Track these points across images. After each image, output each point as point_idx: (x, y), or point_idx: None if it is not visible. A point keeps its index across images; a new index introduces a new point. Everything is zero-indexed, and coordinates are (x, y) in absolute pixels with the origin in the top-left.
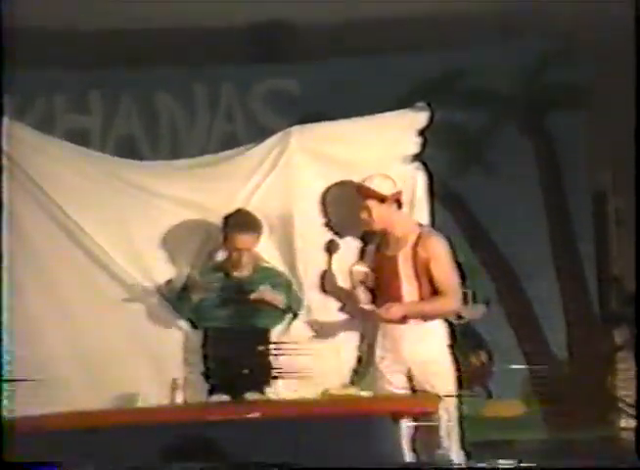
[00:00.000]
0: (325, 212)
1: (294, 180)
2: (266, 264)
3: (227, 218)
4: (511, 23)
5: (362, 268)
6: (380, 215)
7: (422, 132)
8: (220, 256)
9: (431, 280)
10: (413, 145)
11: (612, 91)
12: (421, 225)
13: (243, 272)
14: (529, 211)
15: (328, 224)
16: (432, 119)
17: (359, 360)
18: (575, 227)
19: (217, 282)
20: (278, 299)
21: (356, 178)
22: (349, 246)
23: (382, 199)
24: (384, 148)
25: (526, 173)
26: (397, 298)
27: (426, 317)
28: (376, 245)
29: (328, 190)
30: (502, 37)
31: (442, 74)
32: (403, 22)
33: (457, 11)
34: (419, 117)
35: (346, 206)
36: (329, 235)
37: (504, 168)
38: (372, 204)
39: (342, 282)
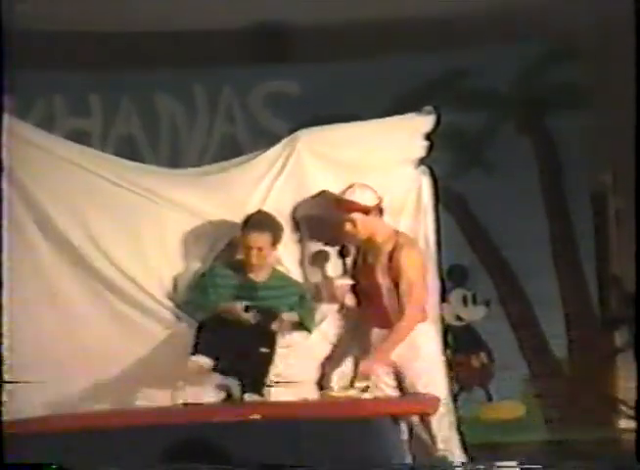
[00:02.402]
0: (297, 228)
1: (302, 184)
2: (281, 271)
3: (247, 218)
4: (511, 23)
5: (346, 281)
6: (365, 227)
7: (428, 136)
8: (239, 255)
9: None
10: (419, 149)
11: (612, 91)
12: (398, 233)
13: (259, 276)
14: (529, 211)
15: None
16: (438, 123)
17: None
18: (575, 227)
19: (232, 280)
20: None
21: (362, 181)
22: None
23: (366, 211)
24: (390, 151)
25: (526, 173)
26: (381, 305)
27: (398, 344)
28: (362, 253)
29: (297, 206)
30: (502, 37)
31: (442, 75)
32: (403, 22)
33: (457, 11)
34: (426, 121)
35: (324, 218)
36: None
37: (504, 169)
38: (357, 217)
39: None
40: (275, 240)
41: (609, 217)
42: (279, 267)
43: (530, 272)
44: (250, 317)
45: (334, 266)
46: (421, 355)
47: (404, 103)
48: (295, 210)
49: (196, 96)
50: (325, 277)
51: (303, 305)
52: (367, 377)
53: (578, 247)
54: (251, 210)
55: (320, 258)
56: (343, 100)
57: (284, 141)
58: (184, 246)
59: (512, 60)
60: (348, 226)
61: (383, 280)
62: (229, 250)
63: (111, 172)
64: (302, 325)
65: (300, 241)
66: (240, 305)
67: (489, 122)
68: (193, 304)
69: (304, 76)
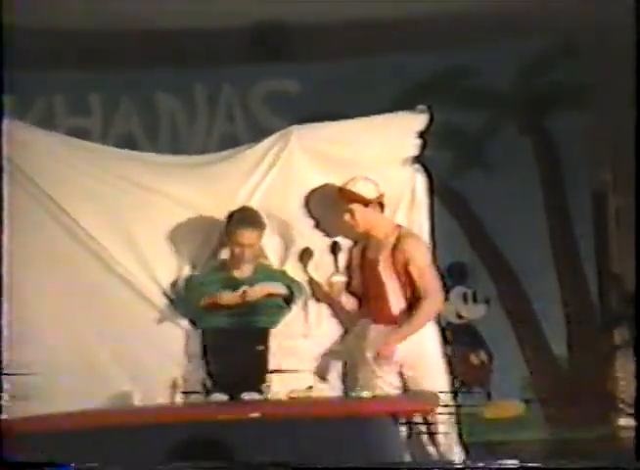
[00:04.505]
0: (311, 215)
1: (293, 179)
2: (266, 264)
3: (231, 215)
4: (511, 23)
5: (340, 278)
6: (363, 218)
7: (422, 134)
8: (223, 255)
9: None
10: (412, 147)
11: (612, 91)
12: (399, 226)
13: (244, 272)
14: (529, 211)
15: (317, 226)
16: (431, 122)
17: (345, 362)
18: (575, 227)
19: (219, 282)
20: (279, 289)
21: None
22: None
23: (366, 203)
24: (383, 149)
25: (527, 173)
26: (384, 300)
27: (419, 328)
28: (360, 248)
29: (312, 192)
30: (502, 37)
31: (442, 74)
32: (403, 22)
33: (457, 11)
34: (419, 120)
35: (332, 208)
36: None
37: (504, 168)
38: (356, 207)
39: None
40: (262, 236)
41: (609, 217)
42: (262, 260)
43: (530, 271)
44: (233, 296)
45: (327, 263)
46: (424, 354)
47: (404, 102)
48: (307, 197)
49: (196, 95)
50: (310, 275)
51: (290, 283)
52: (386, 358)
53: (578, 246)
54: (241, 202)
55: (305, 256)
56: (343, 98)
57: (276, 135)
58: (175, 238)
59: (512, 59)
60: (347, 217)
61: (387, 275)
62: (212, 252)
63: (97, 164)
64: (290, 296)
65: (317, 227)
66: (219, 294)
67: (489, 122)
68: (182, 313)
69: (304, 75)
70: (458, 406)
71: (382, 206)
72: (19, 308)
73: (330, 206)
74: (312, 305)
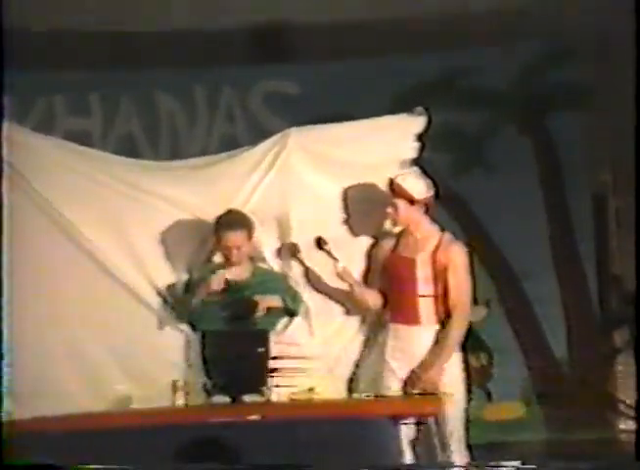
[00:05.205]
0: (346, 209)
1: (291, 181)
2: (264, 267)
3: (218, 219)
4: (511, 23)
5: (342, 264)
6: (406, 215)
7: (420, 137)
8: (217, 258)
9: (446, 286)
10: (411, 149)
11: (612, 91)
12: (443, 232)
13: (241, 275)
14: (529, 212)
15: (346, 221)
16: (429, 124)
17: (358, 362)
18: (575, 227)
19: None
20: (274, 302)
21: (354, 181)
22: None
23: (412, 201)
24: (381, 151)
25: (526, 174)
26: (412, 300)
27: (456, 345)
28: (391, 244)
29: (351, 187)
30: (502, 37)
31: (442, 75)
32: (403, 22)
33: (457, 11)
34: (417, 122)
35: (367, 206)
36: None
37: (504, 168)
38: (401, 203)
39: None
40: (250, 236)
41: (609, 217)
42: (261, 264)
43: (530, 272)
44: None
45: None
46: None
47: (404, 103)
48: (345, 191)
49: (196, 96)
50: (306, 268)
51: (288, 292)
52: (434, 383)
53: (578, 247)
54: (239, 204)
55: (293, 250)
56: (343, 99)
57: (274, 137)
58: (173, 241)
59: (512, 60)
60: (390, 210)
61: (422, 277)
62: (207, 256)
63: (96, 168)
64: (287, 309)
65: (345, 222)
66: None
67: (489, 122)
68: (180, 318)
69: (304, 76)
70: (466, 408)
71: (427, 207)
72: (18, 311)
73: (365, 204)
74: (315, 306)
